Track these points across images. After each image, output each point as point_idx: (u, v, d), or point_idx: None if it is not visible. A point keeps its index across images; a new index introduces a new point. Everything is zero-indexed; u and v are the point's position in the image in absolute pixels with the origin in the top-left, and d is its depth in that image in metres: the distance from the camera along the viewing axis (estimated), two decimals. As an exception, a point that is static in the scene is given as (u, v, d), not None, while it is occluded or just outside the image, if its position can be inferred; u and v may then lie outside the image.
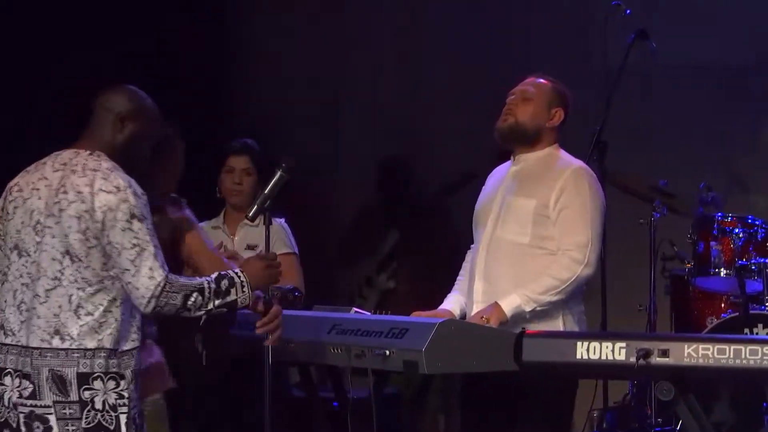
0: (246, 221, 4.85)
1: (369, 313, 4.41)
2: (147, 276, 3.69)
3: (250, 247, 5.25)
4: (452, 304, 4.67)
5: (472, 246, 4.74)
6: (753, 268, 5.53)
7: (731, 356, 3.76)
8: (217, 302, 3.78)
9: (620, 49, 5.61)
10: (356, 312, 4.34)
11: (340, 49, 7.67)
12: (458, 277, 4.78)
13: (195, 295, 3.73)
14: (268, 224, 4.14)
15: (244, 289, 3.82)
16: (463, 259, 4.83)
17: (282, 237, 5.27)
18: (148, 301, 3.69)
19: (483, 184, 4.81)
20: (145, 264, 3.70)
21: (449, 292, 4.77)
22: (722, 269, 5.64)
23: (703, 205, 5.81)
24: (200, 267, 4.34)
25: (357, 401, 4.23)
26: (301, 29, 7.70)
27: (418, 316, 4.41)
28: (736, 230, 5.62)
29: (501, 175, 4.70)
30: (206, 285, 3.77)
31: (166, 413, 4.33)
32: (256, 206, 4.10)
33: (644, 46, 5.64)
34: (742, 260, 5.56)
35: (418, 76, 7.58)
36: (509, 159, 4.74)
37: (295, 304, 4.49)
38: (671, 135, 6.74)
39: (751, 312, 5.50)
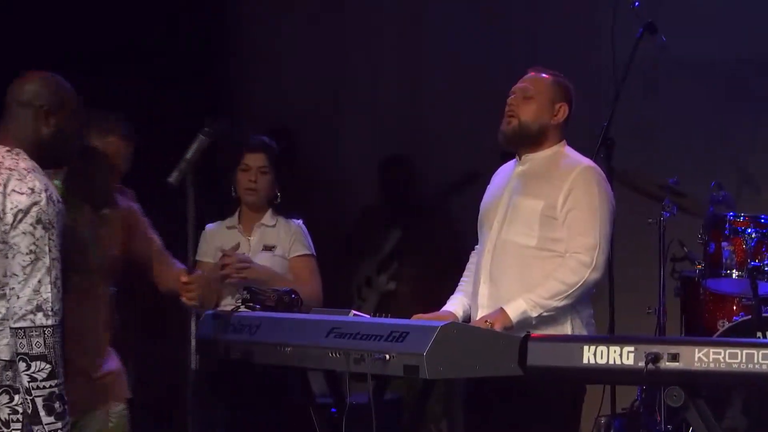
0: (262, 222, 5.16)
1: (368, 316, 4.36)
2: (33, 288, 3.50)
3: (267, 248, 5.25)
4: (455, 306, 4.62)
5: (476, 247, 4.68)
6: (766, 269, 5.49)
7: (743, 361, 3.72)
8: (41, 391, 3.50)
9: (627, 45, 5.57)
10: (355, 315, 4.30)
11: (340, 49, 7.69)
12: (462, 279, 4.73)
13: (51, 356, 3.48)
14: (191, 193, 4.16)
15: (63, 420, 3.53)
16: (466, 259, 4.77)
17: (300, 238, 5.28)
18: (23, 317, 3.49)
19: (486, 183, 4.76)
20: (36, 275, 3.50)
21: (452, 293, 4.73)
22: (734, 270, 5.59)
23: (714, 204, 5.77)
24: (145, 263, 4.41)
25: (356, 407, 4.19)
26: (301, 29, 7.78)
27: (420, 320, 4.35)
28: (749, 230, 5.57)
29: (506, 174, 4.64)
30: (59, 370, 3.51)
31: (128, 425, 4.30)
32: (177, 171, 4.11)
33: (653, 40, 5.60)
34: (754, 261, 5.51)
35: (419, 75, 7.60)
36: (512, 157, 4.67)
37: (292, 306, 4.45)
38: (681, 132, 6.72)
39: (764, 315, 5.47)
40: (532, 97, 4.52)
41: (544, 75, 4.57)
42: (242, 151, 5.31)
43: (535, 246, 4.45)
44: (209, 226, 5.34)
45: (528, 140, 4.54)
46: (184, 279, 4.25)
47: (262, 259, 5.20)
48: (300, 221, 5.33)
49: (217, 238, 5.26)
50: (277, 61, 7.80)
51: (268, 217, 5.29)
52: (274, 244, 5.24)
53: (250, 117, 7.72)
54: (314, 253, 5.31)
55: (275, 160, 5.30)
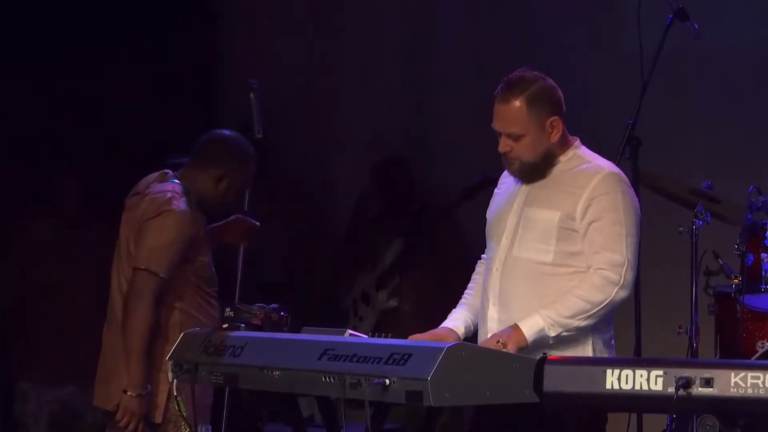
0: None
1: (366, 336, 4.36)
2: None
3: None
4: (456, 322, 4.61)
5: (483, 255, 4.69)
6: (810, 284, 5.49)
7: (785, 386, 3.71)
8: None
9: (655, 33, 5.58)
10: (351, 334, 4.30)
11: (339, 45, 7.75)
12: (466, 291, 4.72)
13: None
14: None
15: None
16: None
17: None
18: None
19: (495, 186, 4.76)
20: None
21: (458, 309, 4.73)
22: (775, 285, 5.59)
23: (753, 211, 5.75)
24: None
25: (352, 438, 4.19)
26: (301, 28, 7.82)
27: (419, 339, 4.36)
28: (792, 240, 5.58)
29: (516, 180, 4.62)
30: None
31: None
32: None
33: (684, 28, 5.60)
34: (797, 275, 5.52)
35: (422, 70, 7.63)
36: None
37: (280, 324, 4.47)
38: (715, 130, 6.72)
39: (809, 335, 5.46)
40: (521, 135, 4.45)
41: (514, 100, 4.43)
42: None
43: (551, 262, 4.45)
44: None
45: (539, 171, 4.52)
46: (255, 225, 5.43)
47: None
48: None
49: None
50: (273, 57, 7.91)
51: None
52: None
53: (247, 120, 7.80)
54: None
55: None
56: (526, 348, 4.29)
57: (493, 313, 4.52)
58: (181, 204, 5.18)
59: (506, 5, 7.36)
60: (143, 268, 5.11)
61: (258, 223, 5.49)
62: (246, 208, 5.50)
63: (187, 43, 7.86)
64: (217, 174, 5.27)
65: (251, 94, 5.52)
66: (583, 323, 4.38)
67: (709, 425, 3.80)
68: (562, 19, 7.17)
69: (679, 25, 5.60)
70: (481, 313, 4.59)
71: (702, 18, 5.77)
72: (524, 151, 4.47)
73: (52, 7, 7.33)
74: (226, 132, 5.40)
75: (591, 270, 4.41)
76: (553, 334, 4.34)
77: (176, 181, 5.28)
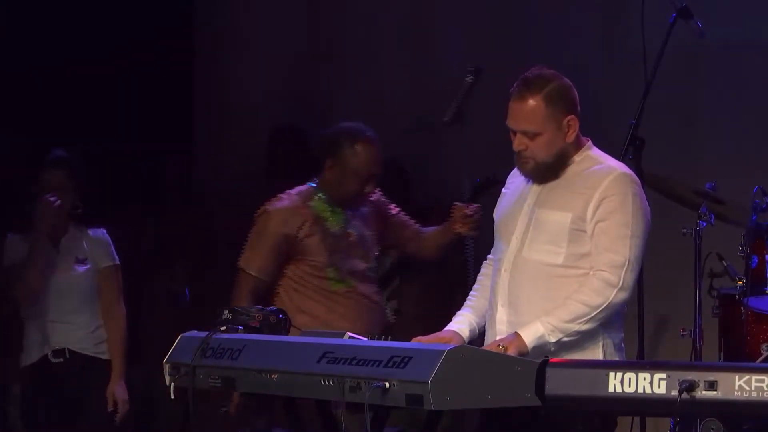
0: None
1: (366, 339, 4.34)
2: None
3: (78, 261, 5.96)
4: (461, 325, 4.60)
5: (489, 256, 4.66)
6: (815, 286, 5.47)
7: (790, 389, 3.70)
8: None
9: (658, 32, 5.56)
10: (351, 337, 4.28)
11: (340, 47, 7.77)
12: (471, 293, 4.72)
13: None
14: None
15: None
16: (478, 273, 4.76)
17: (105, 249, 5.93)
18: None
19: (501, 184, 4.73)
20: None
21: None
22: (779, 287, 5.57)
23: (757, 213, 5.73)
24: (401, 244, 5.95)
25: (351, 442, 4.17)
26: (301, 28, 7.82)
27: (422, 342, 4.34)
28: (796, 242, 5.56)
29: (525, 180, 4.60)
30: None
31: None
32: (451, 112, 5.41)
33: (688, 26, 5.59)
34: (802, 276, 5.49)
35: (424, 63, 7.61)
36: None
37: (279, 327, 4.45)
38: (719, 130, 6.71)
39: (814, 337, 5.44)
40: (537, 133, 4.44)
41: (533, 100, 4.42)
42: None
43: (561, 264, 4.44)
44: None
45: (552, 171, 4.51)
46: (468, 212, 5.47)
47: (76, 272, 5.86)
48: (103, 230, 5.97)
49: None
50: (273, 57, 7.97)
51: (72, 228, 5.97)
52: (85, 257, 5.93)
53: (244, 121, 7.81)
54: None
55: (75, 173, 5.94)
56: (526, 354, 4.28)
57: (501, 315, 4.50)
58: (282, 203, 5.41)
59: (506, 5, 7.35)
60: (239, 266, 5.42)
61: (470, 211, 5.54)
62: (467, 200, 5.62)
63: (186, 43, 7.90)
64: (328, 164, 5.43)
65: (468, 77, 5.59)
66: (584, 327, 4.37)
67: (713, 429, 3.80)
68: (562, 19, 7.16)
69: (683, 23, 5.59)
70: (489, 315, 4.57)
71: (706, 17, 5.75)
72: (540, 149, 4.46)
73: (52, 7, 7.37)
74: (341, 123, 5.55)
75: (591, 272, 4.40)
76: (553, 339, 4.33)
77: (311, 183, 5.47)
